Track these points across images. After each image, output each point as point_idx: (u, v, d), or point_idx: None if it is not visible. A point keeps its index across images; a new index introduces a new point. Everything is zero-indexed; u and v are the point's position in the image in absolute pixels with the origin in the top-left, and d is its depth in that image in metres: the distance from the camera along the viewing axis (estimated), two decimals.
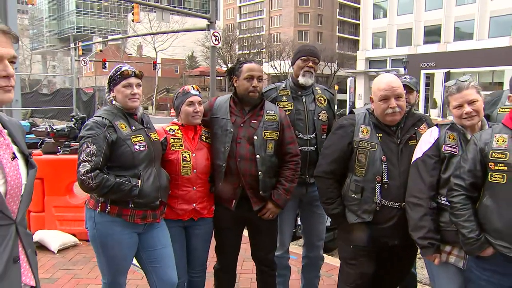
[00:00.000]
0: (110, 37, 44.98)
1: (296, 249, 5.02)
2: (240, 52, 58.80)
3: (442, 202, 2.60)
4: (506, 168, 2.30)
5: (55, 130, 12.99)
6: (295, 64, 3.44)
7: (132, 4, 25.63)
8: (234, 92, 3.18)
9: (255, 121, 3.10)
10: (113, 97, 2.78)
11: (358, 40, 51.20)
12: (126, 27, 63.23)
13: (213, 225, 3.22)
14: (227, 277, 3.39)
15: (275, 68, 53.53)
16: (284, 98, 3.40)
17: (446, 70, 36.42)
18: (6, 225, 1.55)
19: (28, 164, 1.69)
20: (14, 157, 1.61)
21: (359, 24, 52.20)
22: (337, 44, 66.49)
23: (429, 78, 38.76)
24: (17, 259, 1.60)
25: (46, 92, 37.54)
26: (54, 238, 5.36)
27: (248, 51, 57.33)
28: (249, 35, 61.78)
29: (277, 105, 3.31)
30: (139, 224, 2.77)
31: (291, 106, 3.37)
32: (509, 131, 2.37)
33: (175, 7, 67.73)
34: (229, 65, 54.50)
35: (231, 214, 3.13)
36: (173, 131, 3.07)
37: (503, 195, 2.31)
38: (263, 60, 56.71)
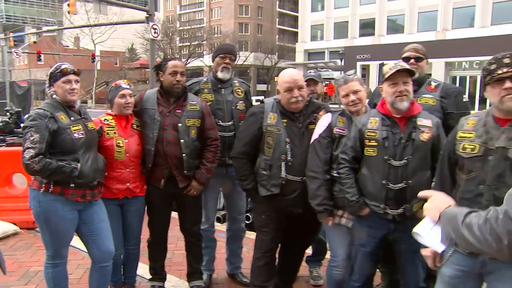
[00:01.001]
0: (44, 28, 43.40)
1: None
2: (180, 44, 58.44)
3: (335, 174, 3.19)
4: (376, 143, 2.92)
5: None
6: (215, 61, 3.95)
7: None
8: (161, 85, 3.65)
9: (179, 111, 3.58)
10: (53, 91, 3.15)
11: (298, 32, 52.39)
12: (61, 17, 60.97)
13: (145, 202, 3.67)
14: (159, 248, 3.87)
15: None
16: (206, 90, 3.90)
17: (380, 62, 38.12)
18: None
19: None
20: None
21: (298, 16, 53.35)
22: (277, 36, 67.39)
23: (365, 70, 40.39)
24: None
25: None
26: None
27: (188, 43, 57.10)
28: (189, 27, 61.45)
29: (200, 96, 3.80)
30: (79, 202, 3.17)
31: (212, 97, 3.88)
32: (380, 115, 2.98)
33: None
34: (170, 57, 54.06)
35: (160, 192, 3.60)
36: (108, 120, 3.50)
37: (375, 165, 2.93)
38: (204, 52, 56.70)
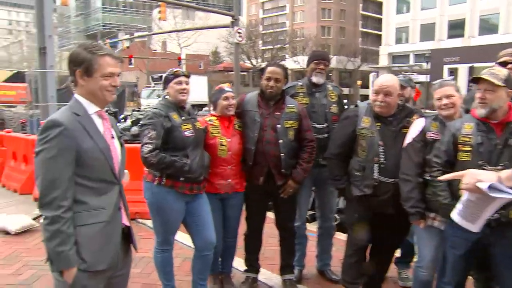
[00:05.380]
0: (136, 34, 46.07)
1: (314, 228, 5.68)
2: (263, 48, 59.42)
3: (428, 178, 3.24)
4: (470, 148, 2.95)
5: None
6: (309, 67, 4.16)
7: (159, 3, 26.49)
8: (261, 88, 3.91)
9: (278, 113, 3.82)
10: (167, 92, 3.52)
11: (381, 35, 51.31)
12: (151, 23, 64.34)
13: (244, 197, 3.94)
14: (254, 241, 4.13)
15: (298, 63, 54.00)
16: (301, 94, 4.12)
17: (470, 65, 36.34)
18: (114, 184, 2.35)
19: (120, 144, 2.47)
20: (113, 137, 2.39)
21: (382, 19, 52.27)
22: (360, 39, 66.49)
23: (453, 73, 38.66)
24: (120, 208, 2.40)
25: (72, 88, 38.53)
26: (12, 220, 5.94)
27: (271, 47, 57.94)
28: (272, 30, 62.27)
29: (295, 99, 4.01)
30: (187, 194, 3.50)
31: (307, 100, 4.09)
32: (474, 120, 3.01)
33: (198, 3, 68.54)
34: (252, 60, 54.53)
35: (259, 188, 3.85)
36: (212, 121, 3.81)
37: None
38: (286, 55, 57.23)
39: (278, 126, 3.78)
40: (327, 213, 4.34)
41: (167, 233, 3.61)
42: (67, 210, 2.10)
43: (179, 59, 46.77)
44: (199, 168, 3.48)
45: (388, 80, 3.45)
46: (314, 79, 4.11)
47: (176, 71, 3.55)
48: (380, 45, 50.40)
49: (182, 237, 4.63)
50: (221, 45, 59.26)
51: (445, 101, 3.23)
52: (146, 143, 3.30)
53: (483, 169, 2.85)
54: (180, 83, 3.50)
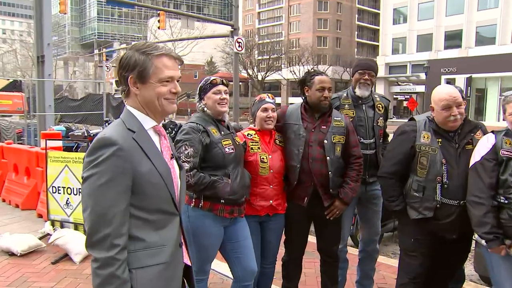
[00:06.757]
0: (133, 43, 45.74)
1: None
2: (259, 58, 59.19)
3: (501, 200, 2.89)
4: None
5: (92, 135, 13.45)
6: (354, 77, 3.80)
7: (158, 12, 26.22)
8: (305, 100, 3.55)
9: (325, 127, 3.45)
10: (204, 104, 3.15)
11: (377, 45, 51.39)
12: (146, 32, 64.03)
13: (284, 220, 3.55)
14: (294, 267, 3.72)
15: (294, 73, 53.85)
16: (346, 106, 3.75)
17: (468, 75, 36.32)
18: (175, 215, 1.94)
19: (179, 165, 2.06)
20: (172, 157, 1.99)
21: (378, 29, 52.41)
22: (356, 49, 66.58)
23: (450, 84, 38.58)
24: (181, 244, 2.00)
25: (69, 97, 38.08)
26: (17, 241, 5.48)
27: (267, 57, 57.72)
28: (268, 40, 62.15)
29: (341, 112, 3.66)
30: (227, 218, 3.12)
31: (353, 113, 3.72)
32: None
33: (194, 13, 68.44)
34: (249, 71, 54.46)
35: (302, 210, 3.47)
36: (251, 135, 3.43)
37: None
38: (282, 65, 57.02)
39: (325, 141, 3.41)
40: (372, 236, 3.96)
41: (203, 261, 3.21)
42: (122, 250, 1.68)
43: None
44: (240, 189, 3.11)
45: (454, 91, 3.10)
46: (358, 91, 3.75)
47: (214, 79, 3.17)
48: (376, 55, 50.32)
49: None
50: (217, 55, 58.99)
51: None
52: (183, 162, 2.91)
53: None
54: (219, 92, 3.12)
